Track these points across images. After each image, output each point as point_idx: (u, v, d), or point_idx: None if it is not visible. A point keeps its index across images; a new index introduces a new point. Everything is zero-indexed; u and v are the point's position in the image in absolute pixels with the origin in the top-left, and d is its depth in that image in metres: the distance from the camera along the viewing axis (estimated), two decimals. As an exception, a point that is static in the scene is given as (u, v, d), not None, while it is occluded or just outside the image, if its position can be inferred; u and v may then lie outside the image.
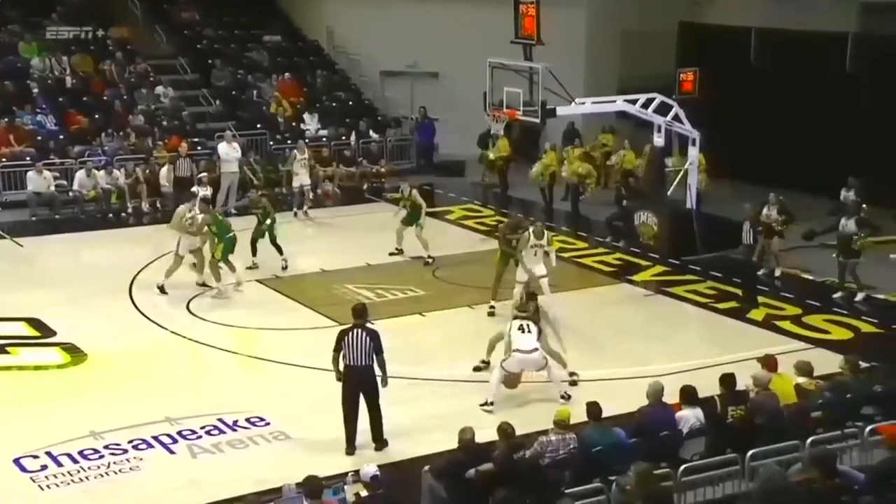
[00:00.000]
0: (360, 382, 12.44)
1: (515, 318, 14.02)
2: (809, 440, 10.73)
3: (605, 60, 28.18)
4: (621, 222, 21.82)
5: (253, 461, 12.42)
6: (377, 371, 12.51)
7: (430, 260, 19.89)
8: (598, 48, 28.27)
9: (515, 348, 13.62)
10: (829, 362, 13.60)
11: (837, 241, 18.26)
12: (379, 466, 10.54)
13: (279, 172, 25.29)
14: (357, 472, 10.58)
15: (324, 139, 27.60)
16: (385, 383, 12.56)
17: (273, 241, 19.44)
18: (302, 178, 23.52)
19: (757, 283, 18.91)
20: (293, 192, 23.68)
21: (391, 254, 20.29)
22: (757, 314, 17.45)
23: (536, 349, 13.66)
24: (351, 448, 12.55)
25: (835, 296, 18.06)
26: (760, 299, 18.08)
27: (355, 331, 12.43)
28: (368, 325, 12.72)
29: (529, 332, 13.68)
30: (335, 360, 12.54)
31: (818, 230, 20.88)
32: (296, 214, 23.35)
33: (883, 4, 24.70)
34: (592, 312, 17.50)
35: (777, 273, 19.26)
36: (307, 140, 26.19)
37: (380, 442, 12.69)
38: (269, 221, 19.34)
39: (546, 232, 17.18)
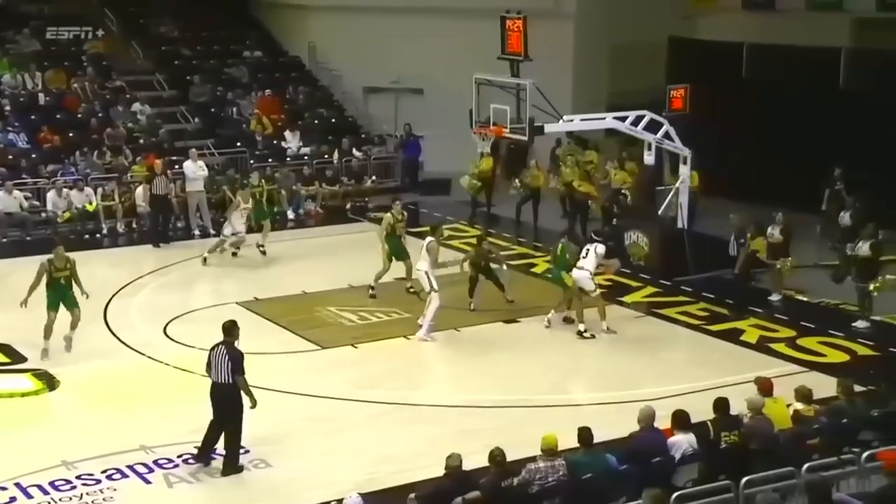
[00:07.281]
0: (218, 399, 12.36)
1: None
2: (805, 467, 10.46)
3: (593, 75, 28.00)
4: (610, 242, 21.39)
5: (231, 490, 12.13)
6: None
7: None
8: (586, 63, 28.08)
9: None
10: (824, 386, 13.42)
11: (852, 263, 17.55)
12: (362, 494, 10.29)
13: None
14: (341, 500, 10.39)
15: (305, 157, 27.17)
16: (253, 405, 12.35)
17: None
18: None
19: (750, 303, 18.51)
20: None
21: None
22: (750, 336, 17.14)
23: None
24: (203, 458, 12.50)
25: (854, 324, 17.36)
26: (753, 321, 17.73)
27: (219, 347, 12.39)
28: (235, 344, 12.47)
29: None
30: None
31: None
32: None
33: (876, 20, 24.61)
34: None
35: (775, 298, 18.71)
36: (288, 158, 25.88)
37: (229, 465, 12.36)
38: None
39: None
